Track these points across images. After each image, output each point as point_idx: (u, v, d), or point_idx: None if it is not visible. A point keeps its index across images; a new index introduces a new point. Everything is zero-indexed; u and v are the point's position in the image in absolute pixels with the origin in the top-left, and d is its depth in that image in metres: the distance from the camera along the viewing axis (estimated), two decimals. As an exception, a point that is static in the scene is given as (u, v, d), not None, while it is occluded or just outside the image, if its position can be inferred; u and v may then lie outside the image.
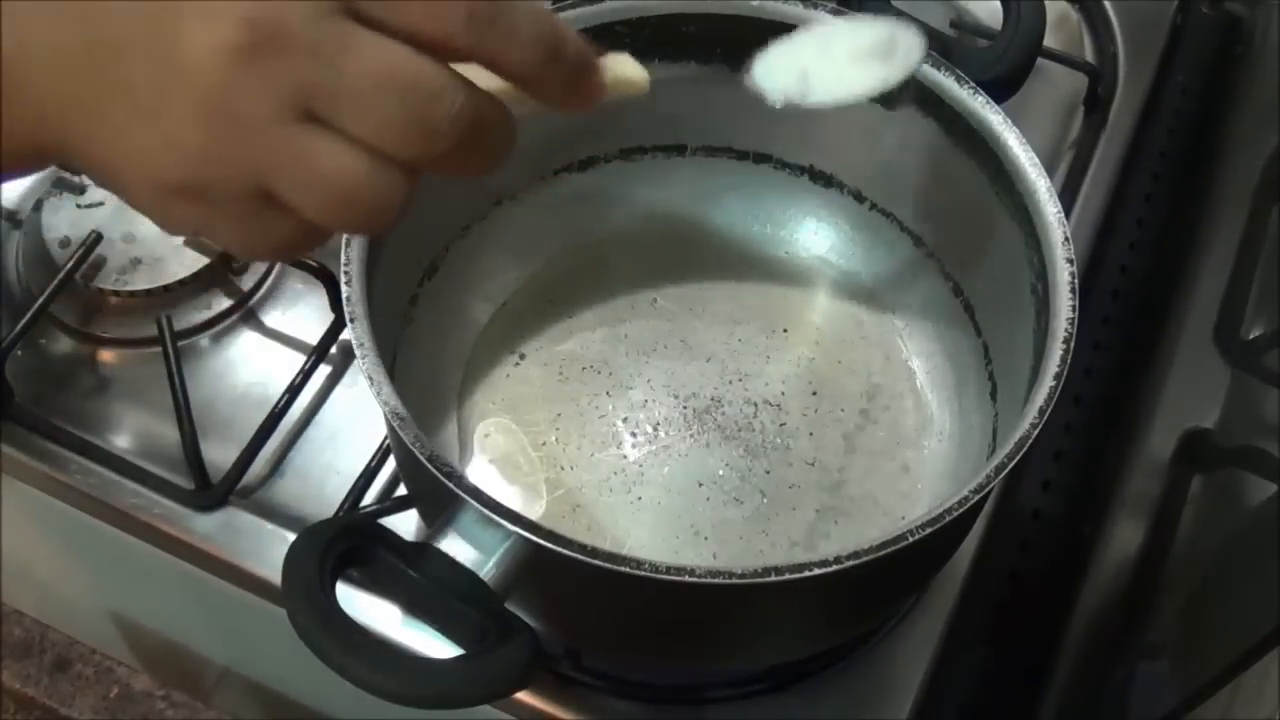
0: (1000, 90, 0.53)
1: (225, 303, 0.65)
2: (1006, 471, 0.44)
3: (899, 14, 0.49)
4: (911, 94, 0.54)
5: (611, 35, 0.54)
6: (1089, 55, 0.77)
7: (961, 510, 0.43)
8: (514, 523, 0.41)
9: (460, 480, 0.42)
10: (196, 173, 0.32)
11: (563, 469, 0.56)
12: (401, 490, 0.59)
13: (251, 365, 0.64)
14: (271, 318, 0.66)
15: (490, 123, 0.34)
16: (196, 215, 0.33)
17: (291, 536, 0.42)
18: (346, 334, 0.45)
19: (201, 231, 0.34)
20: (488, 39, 0.33)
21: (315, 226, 0.34)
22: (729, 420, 0.58)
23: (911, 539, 0.42)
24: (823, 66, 0.46)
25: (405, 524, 0.58)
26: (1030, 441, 0.44)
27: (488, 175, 0.35)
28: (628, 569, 0.41)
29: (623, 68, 0.41)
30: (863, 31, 0.47)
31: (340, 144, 0.32)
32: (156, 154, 0.32)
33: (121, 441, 0.62)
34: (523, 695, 0.55)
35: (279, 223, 0.33)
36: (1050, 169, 0.63)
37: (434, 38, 0.33)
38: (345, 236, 0.46)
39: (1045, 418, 0.44)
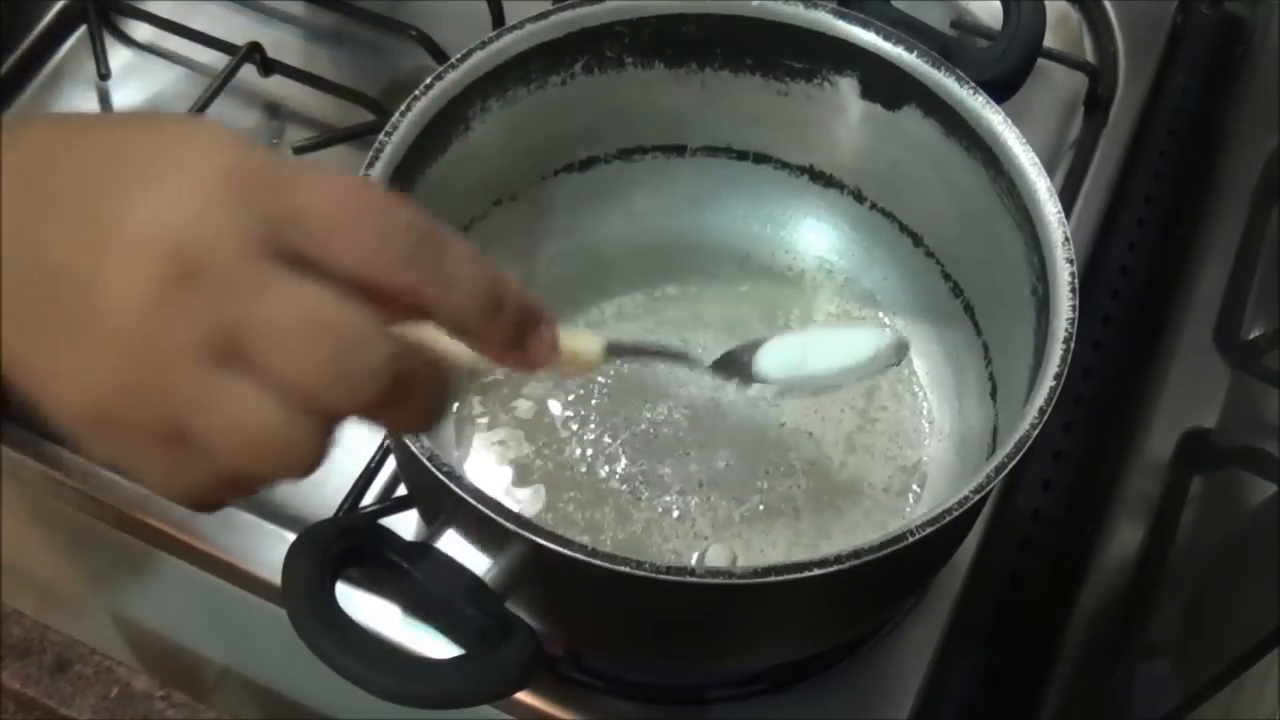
0: (1000, 90, 0.53)
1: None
2: (1006, 471, 0.44)
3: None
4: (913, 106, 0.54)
5: (611, 35, 0.54)
6: (1089, 55, 0.76)
7: (961, 510, 0.43)
8: (514, 523, 0.41)
9: (460, 480, 0.42)
10: (110, 405, 0.31)
11: (562, 469, 0.56)
12: (401, 490, 0.59)
13: (251, 365, 0.64)
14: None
15: (419, 378, 0.33)
16: (115, 447, 0.32)
17: (291, 536, 0.42)
18: (346, 334, 0.45)
19: (120, 465, 0.33)
20: (427, 285, 0.32)
21: (231, 474, 0.32)
22: (729, 420, 0.58)
23: (911, 539, 0.42)
24: (818, 356, 0.52)
25: (405, 524, 0.58)
26: (1030, 441, 0.44)
27: (422, 432, 0.34)
28: (628, 569, 0.41)
29: (577, 341, 0.41)
30: (854, 334, 0.55)
31: (255, 388, 0.31)
32: (76, 382, 0.31)
33: (121, 441, 0.61)
34: (523, 695, 0.55)
35: (194, 466, 0.32)
36: (1050, 169, 0.63)
37: (369, 280, 0.32)
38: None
39: (1045, 418, 0.44)
